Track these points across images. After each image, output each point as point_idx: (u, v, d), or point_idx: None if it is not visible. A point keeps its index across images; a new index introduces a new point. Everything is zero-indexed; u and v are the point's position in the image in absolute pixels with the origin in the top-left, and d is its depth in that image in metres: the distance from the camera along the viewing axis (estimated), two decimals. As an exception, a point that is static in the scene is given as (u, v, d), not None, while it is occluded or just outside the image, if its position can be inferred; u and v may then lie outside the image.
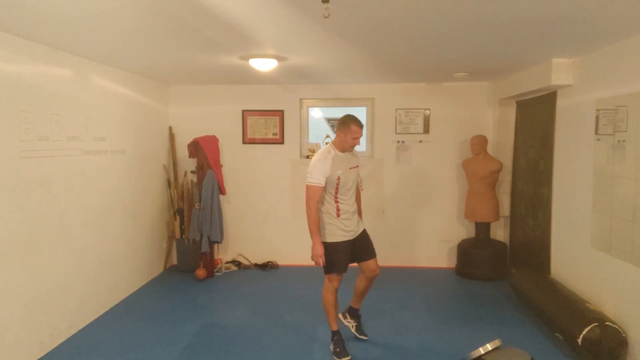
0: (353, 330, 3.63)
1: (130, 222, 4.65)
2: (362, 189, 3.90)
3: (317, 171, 3.15)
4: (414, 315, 4.09)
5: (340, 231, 3.27)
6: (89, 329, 3.82)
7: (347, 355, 3.27)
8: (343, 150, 3.28)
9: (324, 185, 3.17)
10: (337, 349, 3.29)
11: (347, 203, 3.30)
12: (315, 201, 3.16)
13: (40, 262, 3.31)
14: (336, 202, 3.26)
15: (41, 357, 3.31)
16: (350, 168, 3.32)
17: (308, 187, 3.17)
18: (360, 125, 3.22)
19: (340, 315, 3.60)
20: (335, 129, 3.32)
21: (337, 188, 3.23)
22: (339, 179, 3.21)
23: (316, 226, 3.17)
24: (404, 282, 5.05)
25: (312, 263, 3.26)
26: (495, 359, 2.96)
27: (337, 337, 3.37)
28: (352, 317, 3.67)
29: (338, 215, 3.26)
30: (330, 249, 3.23)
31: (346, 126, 3.19)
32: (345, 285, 3.59)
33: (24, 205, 3.14)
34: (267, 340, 3.60)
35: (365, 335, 3.62)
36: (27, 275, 3.18)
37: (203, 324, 3.90)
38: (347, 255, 3.31)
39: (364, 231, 3.48)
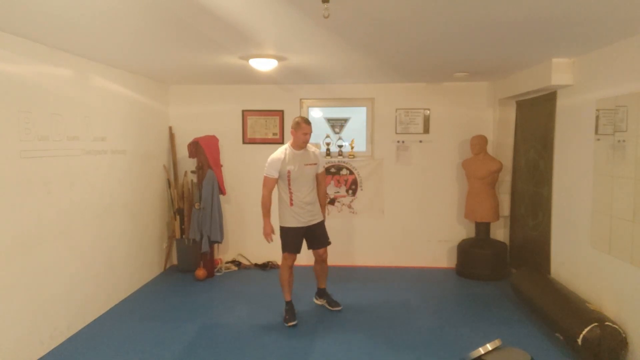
0: (327, 306, 4.19)
1: (130, 222, 4.65)
2: (326, 186, 4.40)
3: (270, 166, 3.79)
4: (414, 315, 4.09)
5: (291, 218, 3.87)
6: (89, 328, 3.82)
7: (293, 321, 3.87)
8: (298, 148, 3.82)
9: (276, 177, 3.80)
10: (287, 316, 3.92)
11: (301, 194, 3.84)
12: (268, 190, 3.82)
13: (40, 262, 3.31)
14: (290, 192, 3.83)
15: (41, 357, 3.31)
16: (306, 165, 3.83)
17: (264, 178, 3.83)
18: (309, 123, 3.81)
19: (314, 299, 4.33)
20: (290, 130, 3.87)
21: (288, 181, 3.80)
22: (289, 172, 3.77)
23: (266, 210, 3.85)
24: (404, 282, 5.05)
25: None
26: (495, 359, 2.97)
27: (288, 307, 3.98)
28: (320, 296, 4.28)
29: (291, 204, 3.84)
30: (283, 231, 3.92)
31: (297, 124, 3.78)
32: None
33: (24, 205, 3.14)
34: (267, 340, 3.60)
35: (339, 305, 4.15)
36: (27, 275, 3.18)
37: (203, 324, 3.90)
38: (297, 239, 3.91)
39: (320, 224, 4.01)
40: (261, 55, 3.76)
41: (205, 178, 5.12)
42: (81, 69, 3.82)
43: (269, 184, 3.81)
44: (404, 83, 5.45)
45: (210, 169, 5.14)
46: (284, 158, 3.77)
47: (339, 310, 4.12)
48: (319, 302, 4.29)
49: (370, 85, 5.52)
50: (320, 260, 4.10)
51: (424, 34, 3.04)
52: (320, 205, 4.05)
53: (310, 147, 3.95)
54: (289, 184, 3.81)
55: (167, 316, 4.09)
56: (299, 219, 3.87)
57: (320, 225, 4.01)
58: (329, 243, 4.08)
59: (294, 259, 3.99)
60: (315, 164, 3.90)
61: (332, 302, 4.19)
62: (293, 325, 3.85)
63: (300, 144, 3.80)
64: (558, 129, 4.14)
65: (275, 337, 3.67)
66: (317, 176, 3.99)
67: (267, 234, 3.87)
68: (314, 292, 4.52)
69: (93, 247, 3.98)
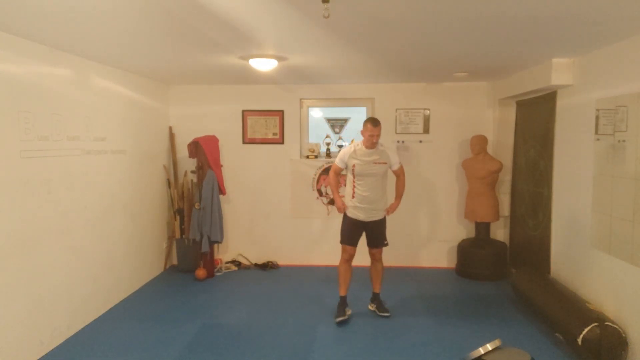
0: (376, 312, 4.13)
1: (130, 222, 4.65)
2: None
3: (339, 157, 4.07)
4: (414, 315, 4.09)
5: (351, 209, 4.01)
6: (89, 329, 3.82)
7: (342, 316, 3.95)
8: (368, 147, 3.92)
9: (342, 167, 4.05)
10: (337, 312, 4.02)
11: (364, 190, 3.94)
12: (334, 172, 4.12)
13: (40, 262, 3.31)
14: (354, 185, 3.97)
15: (41, 357, 3.31)
16: (375, 163, 3.93)
17: (333, 165, 4.14)
18: (375, 124, 3.85)
19: (368, 306, 4.25)
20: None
21: (353, 174, 3.97)
22: (353, 167, 3.94)
23: (333, 187, 4.13)
24: (404, 282, 5.05)
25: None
26: (495, 359, 2.96)
27: (340, 301, 4.08)
28: (372, 301, 4.23)
29: (353, 196, 3.99)
30: (343, 220, 4.10)
31: (364, 125, 3.91)
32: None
33: (24, 205, 3.14)
34: (267, 340, 3.60)
35: (387, 312, 4.09)
36: (27, 275, 3.18)
37: (203, 324, 3.90)
38: (353, 231, 4.03)
39: (379, 222, 4.04)
40: (261, 55, 3.76)
41: (205, 178, 5.12)
42: (81, 69, 3.82)
43: (334, 169, 4.11)
44: (403, 83, 5.45)
45: (210, 169, 5.14)
46: (353, 152, 3.95)
47: (387, 317, 4.03)
48: (371, 307, 4.20)
49: (370, 85, 5.52)
50: (373, 260, 4.14)
51: (424, 33, 3.04)
52: (397, 193, 4.14)
53: (384, 146, 4.02)
54: (354, 178, 3.97)
55: (167, 316, 4.09)
56: (356, 213, 3.98)
57: (379, 225, 4.04)
58: (384, 244, 4.10)
59: (351, 254, 4.05)
60: (385, 162, 3.96)
61: (381, 308, 4.11)
62: (341, 322, 3.89)
63: (368, 144, 3.90)
64: (558, 129, 4.14)
65: (275, 337, 3.67)
66: (394, 172, 4.10)
67: (339, 207, 4.07)
68: (310, 289, 4.53)
69: (93, 247, 3.98)
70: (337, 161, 4.08)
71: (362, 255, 4.34)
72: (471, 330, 3.77)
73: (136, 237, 4.78)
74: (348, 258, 4.06)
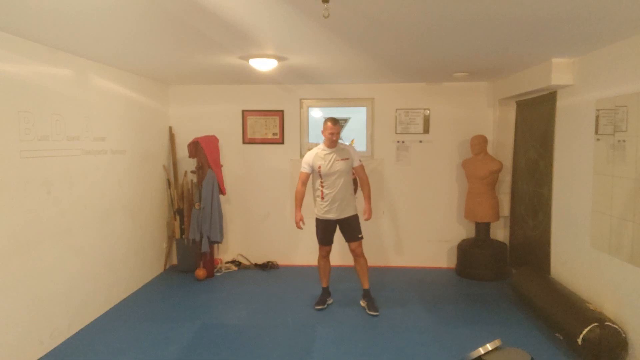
0: (366, 309, 4.16)
1: (130, 222, 4.65)
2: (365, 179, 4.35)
3: (304, 162, 4.15)
4: (414, 315, 4.09)
5: (321, 210, 4.14)
6: (89, 329, 3.82)
7: (321, 305, 4.23)
8: (329, 146, 4.08)
9: (308, 172, 4.14)
10: (317, 300, 4.30)
11: (332, 190, 4.07)
12: (300, 182, 4.17)
13: (40, 262, 3.31)
14: (322, 187, 4.10)
15: (41, 357, 3.31)
16: (337, 160, 4.05)
17: (300, 173, 4.19)
18: (334, 123, 4.02)
19: (360, 302, 4.31)
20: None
21: (320, 176, 4.08)
22: (319, 168, 4.06)
23: (297, 200, 4.19)
24: (404, 282, 5.05)
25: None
26: (495, 359, 2.97)
27: (322, 292, 4.35)
28: (363, 298, 4.28)
29: (322, 198, 4.12)
30: (316, 223, 4.23)
31: (324, 124, 4.07)
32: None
33: (24, 205, 3.14)
34: (267, 340, 3.60)
35: (376, 311, 4.10)
36: (27, 275, 3.18)
37: (203, 324, 3.90)
38: (326, 231, 4.18)
39: (351, 217, 4.16)
40: (261, 55, 3.76)
41: (205, 178, 5.12)
42: (81, 69, 3.82)
43: (301, 177, 4.17)
44: (403, 83, 5.45)
45: (210, 169, 5.14)
46: (316, 154, 4.09)
47: (375, 316, 4.05)
48: (362, 303, 4.25)
49: (370, 85, 5.52)
50: (354, 255, 4.22)
51: (425, 33, 3.04)
52: (365, 197, 4.24)
53: (344, 144, 4.19)
54: (321, 179, 4.09)
55: (167, 316, 4.09)
56: (328, 212, 4.11)
57: (351, 220, 4.16)
58: (359, 238, 4.17)
59: (327, 251, 4.26)
60: (347, 158, 4.09)
61: (371, 307, 4.13)
62: (319, 309, 4.19)
63: (329, 143, 4.05)
64: (558, 129, 4.14)
65: (275, 337, 3.67)
66: (355, 170, 4.20)
67: (296, 222, 4.19)
68: (310, 289, 4.53)
69: (93, 247, 3.98)
70: (303, 166, 4.15)
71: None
72: (471, 330, 3.77)
73: (136, 237, 4.78)
74: (325, 255, 4.27)
